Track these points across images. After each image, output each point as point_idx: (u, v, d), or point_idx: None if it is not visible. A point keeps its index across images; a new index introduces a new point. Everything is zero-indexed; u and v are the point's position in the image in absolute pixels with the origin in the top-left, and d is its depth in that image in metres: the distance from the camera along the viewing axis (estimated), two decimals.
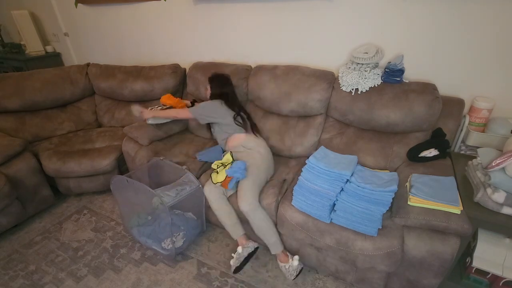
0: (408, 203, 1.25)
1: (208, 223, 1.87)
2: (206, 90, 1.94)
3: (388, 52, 1.72)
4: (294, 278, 1.49)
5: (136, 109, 2.02)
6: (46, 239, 1.89)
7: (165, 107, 2.10)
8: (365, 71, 1.67)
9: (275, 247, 1.53)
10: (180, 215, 1.83)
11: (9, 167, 1.83)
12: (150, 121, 1.99)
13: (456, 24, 1.51)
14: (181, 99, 2.24)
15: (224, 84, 1.92)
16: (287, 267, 1.50)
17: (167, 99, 2.19)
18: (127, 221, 1.84)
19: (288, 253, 1.54)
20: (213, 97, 1.90)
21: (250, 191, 1.51)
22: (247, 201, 1.48)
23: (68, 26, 3.10)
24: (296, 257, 1.50)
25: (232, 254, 1.59)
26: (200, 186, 1.64)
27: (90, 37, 2.99)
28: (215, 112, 1.83)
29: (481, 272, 1.28)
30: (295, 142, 1.87)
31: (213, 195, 1.58)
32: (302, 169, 1.42)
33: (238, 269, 1.55)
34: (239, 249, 1.57)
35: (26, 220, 2.03)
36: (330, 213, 1.34)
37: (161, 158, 1.83)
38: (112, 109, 2.56)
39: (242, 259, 1.56)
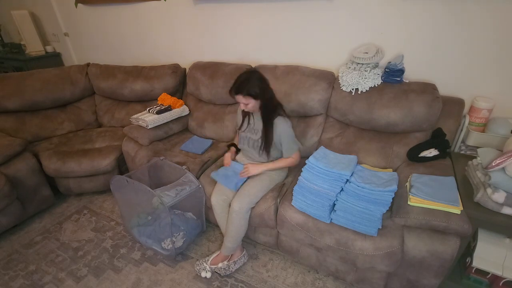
0: (408, 203, 1.25)
1: (208, 223, 1.87)
2: (247, 105, 1.45)
3: (388, 52, 1.72)
4: (200, 274, 1.57)
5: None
6: (46, 239, 1.89)
7: (163, 107, 2.11)
8: (365, 71, 1.67)
9: (227, 250, 1.56)
10: (180, 215, 1.83)
11: (9, 167, 1.83)
12: (150, 126, 1.99)
13: (456, 24, 1.51)
14: (177, 98, 2.25)
15: (268, 85, 1.48)
16: (213, 268, 1.58)
17: (164, 99, 2.21)
18: (127, 221, 1.84)
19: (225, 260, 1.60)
20: (269, 108, 1.49)
21: (250, 196, 1.50)
22: (241, 204, 1.47)
23: (68, 26, 3.10)
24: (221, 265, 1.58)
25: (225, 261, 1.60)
26: (200, 186, 1.64)
27: (90, 37, 2.99)
28: (291, 128, 1.54)
29: (481, 272, 1.28)
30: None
31: (219, 207, 1.59)
32: (302, 169, 1.42)
33: (221, 275, 1.58)
34: (232, 264, 1.60)
35: (26, 220, 2.03)
36: (330, 213, 1.34)
37: (161, 158, 1.83)
38: (112, 109, 2.56)
39: (233, 270, 1.59)
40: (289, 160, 1.57)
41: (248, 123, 1.61)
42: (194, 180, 1.64)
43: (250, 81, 1.41)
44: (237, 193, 1.53)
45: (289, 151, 1.55)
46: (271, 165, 1.57)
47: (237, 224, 1.50)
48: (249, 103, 1.43)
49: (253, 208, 1.52)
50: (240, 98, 1.42)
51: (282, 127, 1.48)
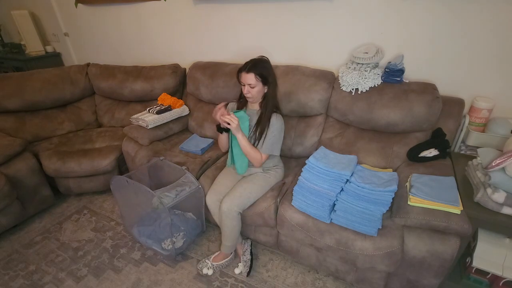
0: (408, 203, 1.25)
1: (208, 223, 1.87)
2: (252, 88, 1.42)
3: (388, 52, 1.72)
4: (202, 271, 1.58)
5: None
6: (46, 239, 1.89)
7: (163, 107, 2.11)
8: (365, 71, 1.67)
9: (226, 249, 1.58)
10: (180, 215, 1.83)
11: (9, 167, 1.83)
12: (150, 126, 1.99)
13: (456, 24, 1.51)
14: (177, 98, 2.26)
15: (276, 78, 1.49)
16: (214, 265, 1.59)
17: (164, 99, 2.21)
18: (127, 221, 1.84)
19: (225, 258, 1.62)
20: (271, 101, 1.48)
21: (241, 198, 1.48)
22: (230, 205, 1.46)
23: (68, 26, 3.10)
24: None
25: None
26: (200, 186, 1.64)
27: (90, 37, 2.99)
28: (282, 130, 1.53)
29: (481, 272, 1.28)
30: (295, 142, 1.87)
31: (215, 208, 1.59)
32: (302, 169, 1.42)
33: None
34: (243, 257, 1.61)
35: (26, 220, 2.03)
36: (330, 213, 1.34)
37: (161, 158, 1.83)
38: (112, 109, 2.56)
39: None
40: (259, 155, 1.48)
41: None
42: (194, 180, 1.64)
43: (266, 65, 1.43)
44: (228, 193, 1.52)
45: (265, 149, 1.49)
46: (245, 140, 1.46)
47: (229, 225, 1.49)
48: (255, 86, 1.41)
49: (247, 209, 1.51)
50: (250, 77, 1.39)
51: (276, 125, 1.48)
